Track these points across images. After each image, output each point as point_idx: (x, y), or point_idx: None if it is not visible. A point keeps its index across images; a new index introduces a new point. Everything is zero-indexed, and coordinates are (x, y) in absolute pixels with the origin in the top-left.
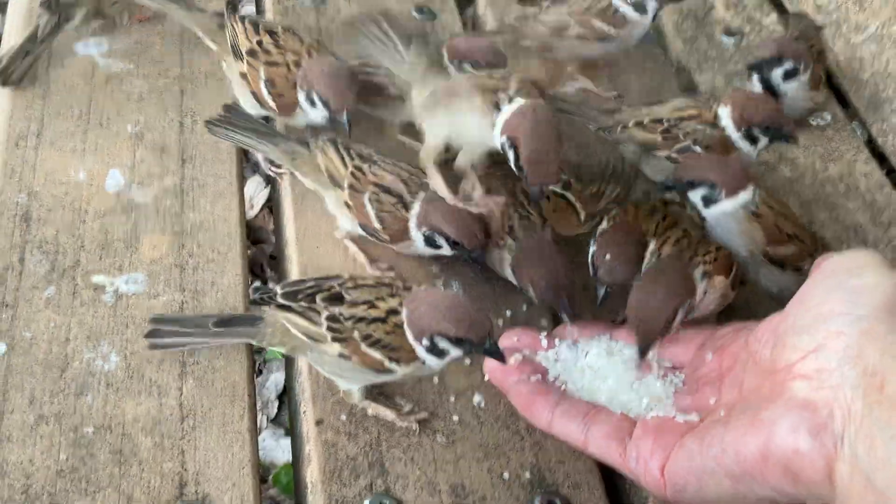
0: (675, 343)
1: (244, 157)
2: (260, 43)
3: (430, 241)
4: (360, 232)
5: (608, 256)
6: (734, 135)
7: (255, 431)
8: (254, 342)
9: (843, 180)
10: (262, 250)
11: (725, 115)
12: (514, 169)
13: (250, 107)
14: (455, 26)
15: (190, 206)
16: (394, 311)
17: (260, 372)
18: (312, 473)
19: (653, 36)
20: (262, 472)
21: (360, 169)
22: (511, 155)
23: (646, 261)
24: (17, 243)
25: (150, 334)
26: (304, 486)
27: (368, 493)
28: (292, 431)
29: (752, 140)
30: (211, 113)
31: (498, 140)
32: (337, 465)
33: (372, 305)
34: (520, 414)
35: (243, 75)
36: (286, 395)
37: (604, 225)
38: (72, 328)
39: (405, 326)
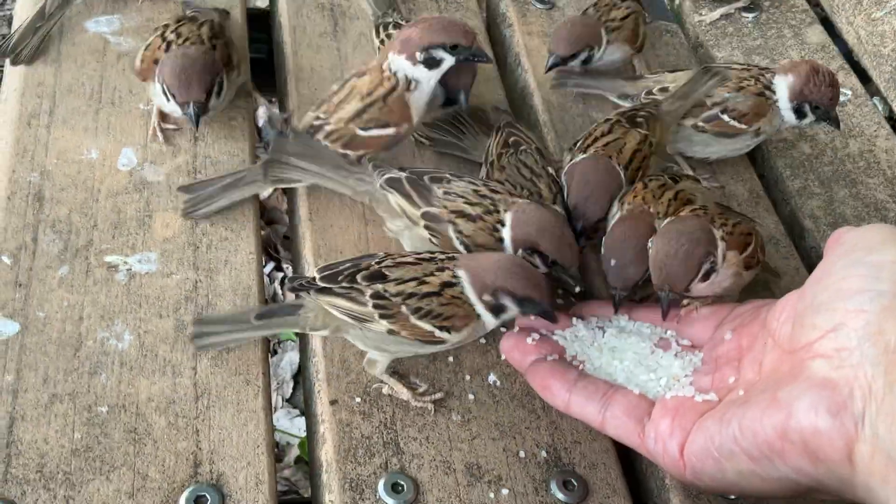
0: (693, 322)
1: (258, 135)
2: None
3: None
4: None
5: (613, 262)
6: (784, 105)
7: (269, 410)
8: (296, 329)
9: (864, 157)
10: (275, 231)
11: (784, 84)
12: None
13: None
14: (470, 4)
15: None
16: (448, 284)
17: (275, 352)
18: (327, 453)
19: (670, 13)
20: (278, 452)
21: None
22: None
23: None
24: (31, 223)
25: (196, 336)
26: (318, 466)
27: (384, 473)
28: (307, 411)
29: (800, 115)
30: None
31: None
32: (352, 445)
33: (422, 282)
34: (537, 393)
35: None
36: (301, 376)
37: (614, 211)
38: (85, 307)
39: (466, 283)
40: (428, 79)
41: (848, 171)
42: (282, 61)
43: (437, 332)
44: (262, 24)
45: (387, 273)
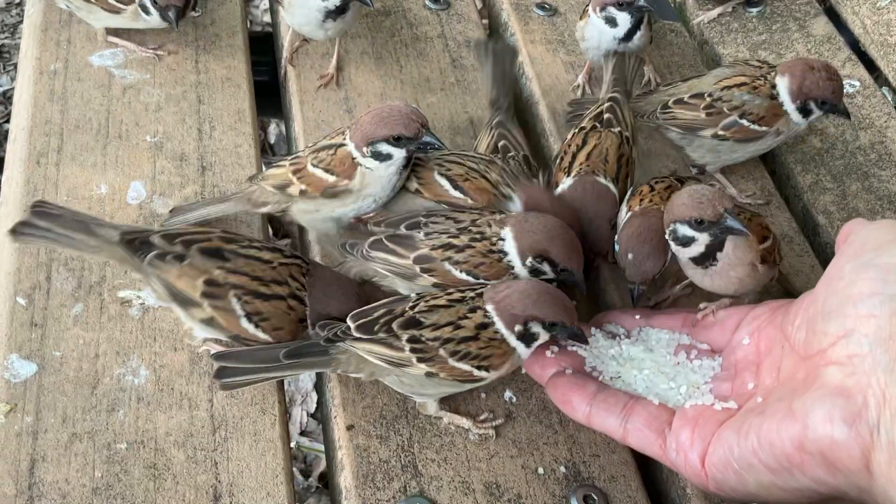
0: (710, 326)
1: (263, 157)
2: None
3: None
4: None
5: (630, 256)
6: (789, 106)
7: (286, 439)
8: (328, 370)
9: (875, 149)
10: (293, 246)
11: (783, 85)
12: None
13: None
14: (471, 15)
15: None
16: (483, 326)
17: None
18: (346, 479)
19: (674, 12)
20: (304, 468)
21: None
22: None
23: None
24: (44, 262)
25: (218, 374)
26: (338, 492)
27: (402, 496)
28: (325, 437)
29: (806, 113)
30: (228, 118)
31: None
32: (370, 469)
33: (457, 326)
34: (556, 407)
35: None
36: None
37: (623, 214)
38: (101, 344)
39: (496, 318)
40: (385, 168)
41: (860, 164)
42: (285, 83)
43: (476, 372)
44: (264, 46)
45: (421, 319)
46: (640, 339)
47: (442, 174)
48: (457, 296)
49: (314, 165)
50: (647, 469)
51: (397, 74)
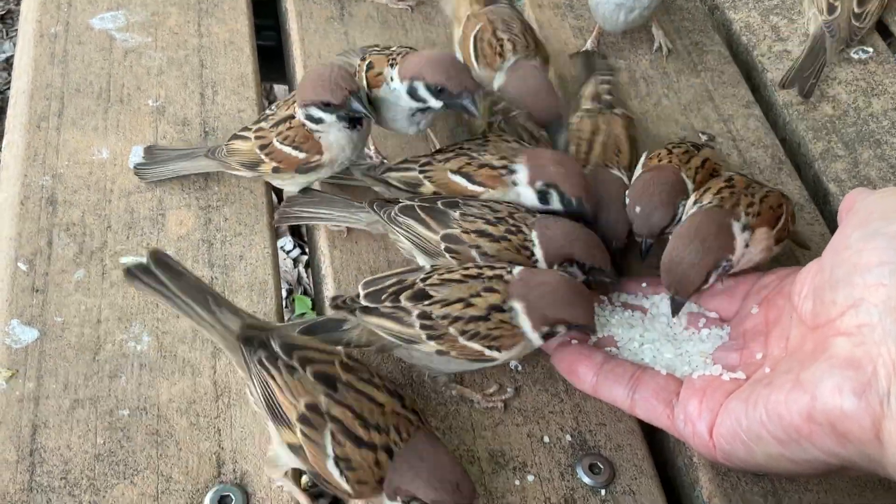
0: (719, 294)
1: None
2: None
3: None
4: None
5: (638, 209)
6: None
7: None
8: (340, 346)
9: (888, 116)
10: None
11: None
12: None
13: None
14: None
15: (214, 179)
16: (496, 308)
17: None
18: None
19: None
20: None
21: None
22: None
23: (685, 211)
24: (45, 227)
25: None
26: None
27: None
28: None
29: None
30: (231, 83)
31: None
32: None
33: (468, 304)
34: (559, 377)
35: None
36: None
37: (637, 171)
38: (103, 310)
39: (520, 318)
40: (328, 129)
41: (872, 132)
42: (289, 48)
43: (487, 352)
44: (268, 10)
45: (432, 293)
46: (648, 308)
47: (455, 171)
48: (473, 271)
49: (281, 142)
50: (654, 438)
51: (402, 39)
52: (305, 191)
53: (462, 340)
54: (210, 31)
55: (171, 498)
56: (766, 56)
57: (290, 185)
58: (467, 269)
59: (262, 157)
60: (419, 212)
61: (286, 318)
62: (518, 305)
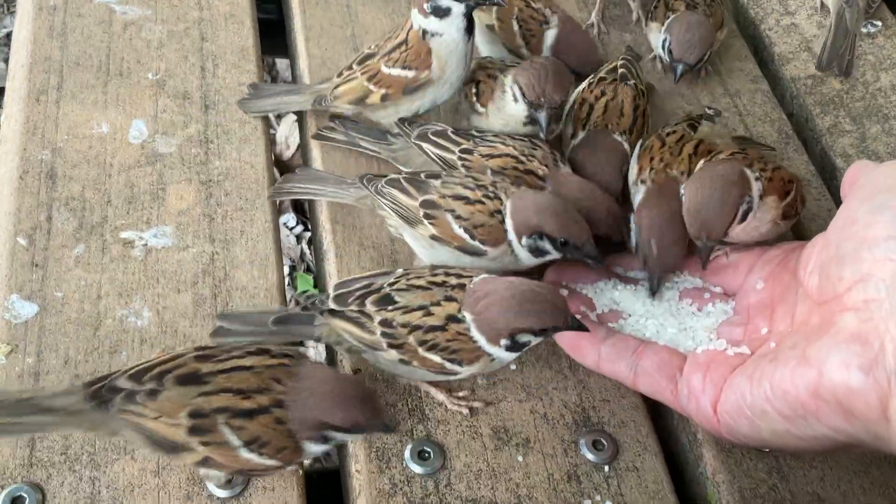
0: (723, 269)
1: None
2: None
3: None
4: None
5: (655, 248)
6: None
7: None
8: (311, 340)
9: None
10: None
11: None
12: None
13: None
14: None
15: (215, 153)
16: (453, 319)
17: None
18: None
19: None
20: None
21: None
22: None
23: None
24: (44, 201)
25: (215, 333)
26: None
27: (409, 440)
28: None
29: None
30: (231, 56)
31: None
32: None
33: (427, 312)
34: (563, 353)
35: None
36: None
37: (634, 175)
38: (103, 285)
39: (473, 332)
40: (447, 28)
41: (880, 106)
42: (290, 21)
43: (448, 365)
44: None
45: (396, 298)
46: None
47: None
48: (439, 278)
49: (390, 67)
50: (658, 414)
51: (405, 11)
52: (303, 169)
53: (422, 351)
54: (210, 4)
55: (171, 474)
56: (773, 30)
57: (394, 114)
58: (435, 274)
59: (371, 87)
60: (403, 182)
61: (288, 295)
62: (469, 318)
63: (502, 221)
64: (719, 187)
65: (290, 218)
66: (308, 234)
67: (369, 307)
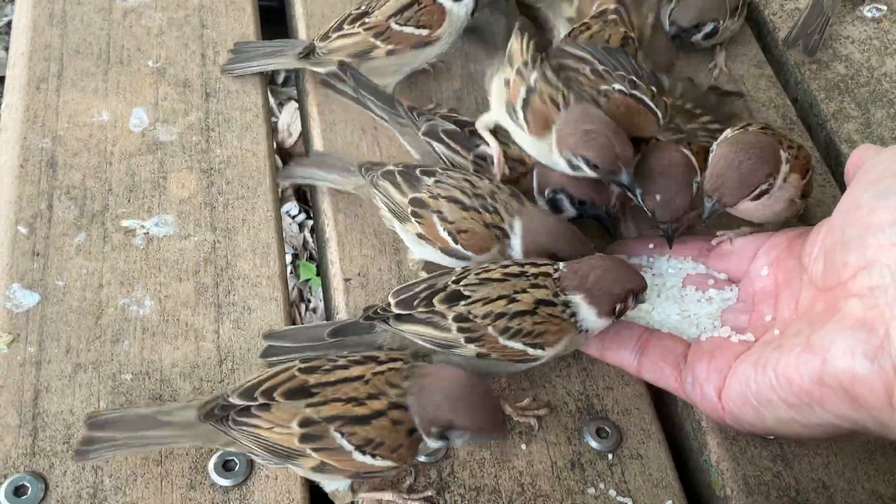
0: (727, 255)
1: (271, 85)
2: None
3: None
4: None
5: (659, 197)
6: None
7: None
8: (373, 349)
9: None
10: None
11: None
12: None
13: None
14: None
15: (216, 141)
16: (545, 302)
17: (309, 301)
18: None
19: None
20: None
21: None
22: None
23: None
24: (45, 190)
25: (265, 352)
26: None
27: None
28: None
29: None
30: (232, 43)
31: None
32: None
33: (511, 300)
34: None
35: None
36: None
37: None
38: (104, 274)
39: (583, 309)
40: (461, 6)
41: (885, 91)
42: (291, 8)
43: (531, 351)
44: None
45: (467, 293)
46: (656, 269)
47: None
48: (515, 269)
49: (402, 24)
50: (662, 402)
51: None
52: (308, 155)
53: (502, 340)
54: None
55: (174, 462)
56: (777, 15)
57: (394, 65)
58: (507, 266)
59: (378, 42)
60: (397, 176)
61: (290, 284)
62: (579, 296)
63: (500, 237)
64: (750, 163)
65: (292, 206)
66: (310, 223)
67: (439, 306)
